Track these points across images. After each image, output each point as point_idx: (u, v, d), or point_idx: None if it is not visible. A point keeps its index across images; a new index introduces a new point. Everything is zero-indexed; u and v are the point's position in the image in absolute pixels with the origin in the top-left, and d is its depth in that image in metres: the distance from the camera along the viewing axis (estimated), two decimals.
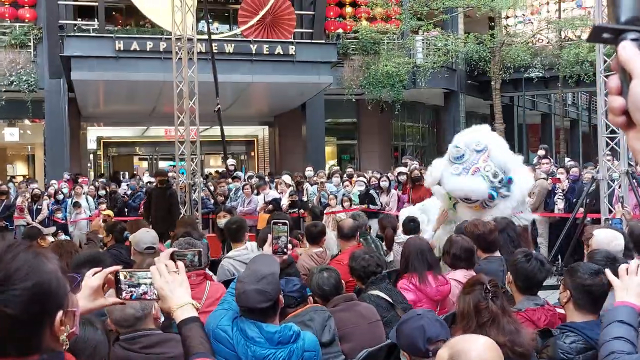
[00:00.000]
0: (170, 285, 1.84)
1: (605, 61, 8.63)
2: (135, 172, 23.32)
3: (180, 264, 1.91)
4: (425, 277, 4.19)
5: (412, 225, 6.52)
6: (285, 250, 3.07)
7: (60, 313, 1.33)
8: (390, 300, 3.85)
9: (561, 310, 3.24)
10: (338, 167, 16.95)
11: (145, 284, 1.88)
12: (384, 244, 6.90)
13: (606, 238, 4.14)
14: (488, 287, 2.55)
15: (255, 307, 2.70)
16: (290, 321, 3.09)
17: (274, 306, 2.75)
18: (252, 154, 26.17)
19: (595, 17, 10.59)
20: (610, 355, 2.38)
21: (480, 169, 6.26)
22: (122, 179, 19.93)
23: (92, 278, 1.86)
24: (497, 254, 4.77)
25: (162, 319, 2.73)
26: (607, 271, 2.65)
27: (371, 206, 11.02)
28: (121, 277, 1.86)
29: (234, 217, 6.99)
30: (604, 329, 2.45)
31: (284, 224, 3.08)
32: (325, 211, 11.10)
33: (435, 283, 4.20)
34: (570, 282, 2.93)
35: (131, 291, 1.87)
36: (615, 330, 2.40)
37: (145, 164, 26.12)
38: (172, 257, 1.96)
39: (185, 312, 1.82)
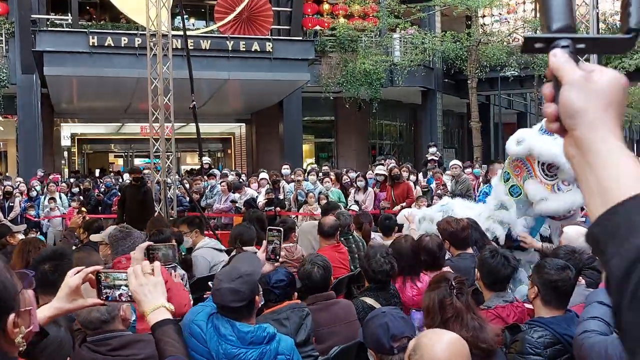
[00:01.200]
0: (144, 288, 1.81)
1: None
2: (111, 170, 23.07)
3: (157, 264, 1.89)
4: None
5: (387, 224, 6.51)
6: (277, 257, 3.03)
7: (12, 316, 1.28)
8: None
9: (530, 306, 3.27)
10: (316, 165, 16.92)
11: (121, 285, 1.86)
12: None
13: (575, 234, 4.19)
14: (453, 283, 2.56)
15: (228, 305, 2.67)
16: (267, 317, 3.06)
17: (249, 306, 2.72)
18: (229, 151, 26.04)
19: None
20: (583, 333, 2.44)
21: None
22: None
23: (72, 278, 1.81)
24: (470, 250, 4.79)
25: (133, 318, 2.69)
26: None
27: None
28: (101, 277, 1.84)
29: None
30: (585, 308, 2.51)
31: (278, 231, 3.05)
32: (302, 209, 11.11)
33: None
34: (537, 278, 2.96)
35: (106, 292, 1.85)
36: (593, 310, 2.46)
37: (120, 161, 25.87)
38: (148, 250, 1.93)
39: (158, 314, 1.79)
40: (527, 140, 5.91)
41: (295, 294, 3.38)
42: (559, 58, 0.83)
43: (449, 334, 1.93)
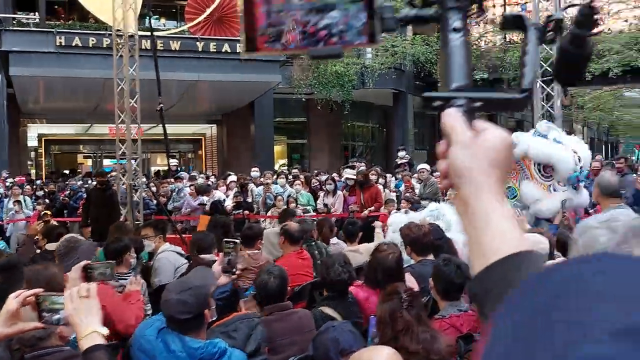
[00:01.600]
0: (79, 312, 1.79)
1: (541, 66, 8.90)
2: (80, 171, 22.67)
3: (93, 285, 1.86)
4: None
5: (350, 229, 6.51)
6: (233, 269, 3.00)
7: None
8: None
9: None
10: (285, 167, 16.88)
11: (59, 309, 1.84)
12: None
13: (532, 242, 4.24)
14: (404, 296, 2.58)
15: (176, 317, 2.64)
16: (215, 330, 3.03)
17: (197, 319, 2.69)
18: (200, 152, 25.85)
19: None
20: None
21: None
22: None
23: (11, 302, 1.79)
24: (431, 257, 4.81)
25: (73, 335, 2.65)
26: None
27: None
28: (40, 300, 1.82)
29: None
30: None
31: (235, 243, 3.02)
32: (271, 213, 11.06)
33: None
34: None
35: (45, 316, 1.83)
36: None
37: (89, 162, 25.50)
38: (85, 269, 1.91)
39: (89, 340, 1.77)
40: (522, 142, 6.00)
41: (242, 302, 3.36)
42: (451, 117, 0.84)
43: (387, 350, 1.96)
